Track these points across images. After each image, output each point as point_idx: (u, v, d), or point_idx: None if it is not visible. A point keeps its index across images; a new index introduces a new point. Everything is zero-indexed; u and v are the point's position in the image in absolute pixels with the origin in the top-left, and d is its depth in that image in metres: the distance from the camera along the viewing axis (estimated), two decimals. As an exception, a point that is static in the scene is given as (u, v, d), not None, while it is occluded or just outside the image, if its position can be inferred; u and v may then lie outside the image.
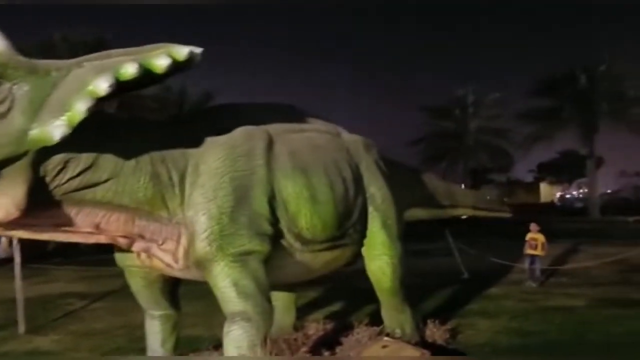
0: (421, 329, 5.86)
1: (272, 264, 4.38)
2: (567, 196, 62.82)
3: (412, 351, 4.49)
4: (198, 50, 3.46)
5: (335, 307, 7.88)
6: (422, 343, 5.50)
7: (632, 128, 34.43)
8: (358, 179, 5.11)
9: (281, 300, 5.86)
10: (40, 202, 3.28)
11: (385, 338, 4.82)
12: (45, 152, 3.15)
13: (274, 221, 4.24)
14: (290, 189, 4.37)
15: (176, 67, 3.40)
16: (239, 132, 4.33)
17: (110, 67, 3.18)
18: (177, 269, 4.12)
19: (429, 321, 5.99)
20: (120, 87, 3.24)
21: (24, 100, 3.07)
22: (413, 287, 9.62)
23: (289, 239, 4.40)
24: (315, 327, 6.02)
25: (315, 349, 5.26)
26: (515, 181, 63.27)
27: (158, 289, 4.46)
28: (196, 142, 4.11)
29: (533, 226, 9.87)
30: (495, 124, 38.81)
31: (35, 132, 3.05)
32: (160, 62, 3.27)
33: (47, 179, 3.26)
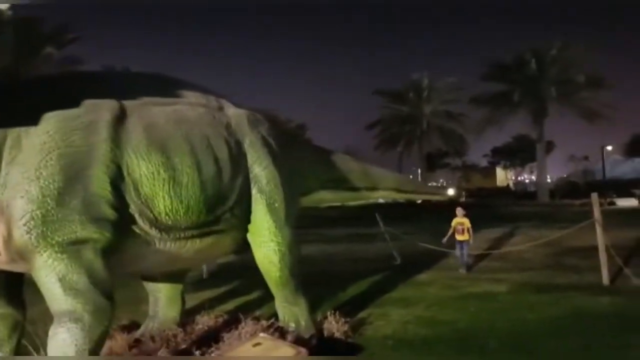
0: (320, 322, 5.39)
1: (127, 253, 3.84)
2: (521, 180, 64.00)
3: (286, 349, 4.00)
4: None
5: (248, 299, 7.34)
6: (318, 337, 5.04)
7: (581, 113, 34.89)
8: (238, 158, 4.56)
9: (165, 291, 5.31)
10: None
11: (261, 335, 4.32)
12: None
13: (120, 205, 3.66)
14: (144, 169, 3.79)
15: None
16: (83, 103, 3.72)
17: None
18: (3, 262, 3.51)
19: (328, 313, 5.52)
20: None
21: None
22: (344, 273, 9.50)
23: (143, 226, 3.83)
24: (205, 321, 5.49)
25: (193, 345, 4.72)
26: (470, 165, 64.09)
27: None
28: (24, 114, 3.49)
29: (459, 211, 9.49)
30: (449, 108, 38.96)
31: None
32: None
33: None
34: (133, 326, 5.41)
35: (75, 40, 25.19)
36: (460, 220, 9.32)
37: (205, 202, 4.15)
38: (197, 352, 4.39)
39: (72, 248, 3.38)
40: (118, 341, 4.84)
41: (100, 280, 3.47)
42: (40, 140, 3.43)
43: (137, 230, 3.82)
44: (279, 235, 4.79)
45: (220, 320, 5.53)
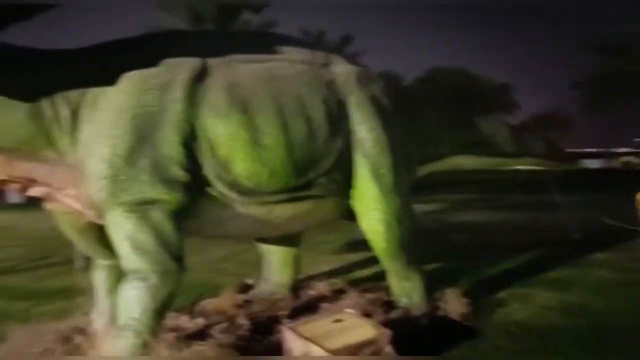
0: (438, 299, 4.89)
1: (205, 216, 3.79)
2: None
3: (368, 330, 3.64)
4: None
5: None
6: (430, 315, 4.58)
7: None
8: (339, 119, 4.22)
9: (277, 255, 5.26)
10: None
11: (346, 310, 4.00)
12: None
13: (193, 167, 3.58)
14: (222, 129, 3.66)
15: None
16: (164, 62, 3.69)
17: None
18: (95, 217, 3.68)
19: (447, 290, 4.97)
20: None
21: None
22: (503, 245, 8.64)
23: (220, 188, 3.73)
24: (318, 287, 5.33)
25: (292, 314, 4.59)
26: None
27: (91, 238, 4.05)
28: (104, 75, 3.56)
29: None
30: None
31: None
32: None
33: None
34: (247, 287, 5.46)
35: (269, 4, 26.32)
36: (646, 194, 7.79)
37: (294, 165, 3.91)
38: (286, 320, 4.24)
39: (141, 208, 3.41)
40: (227, 300, 4.93)
41: (169, 242, 3.46)
42: (115, 100, 3.47)
43: (214, 193, 3.73)
44: (385, 204, 4.37)
45: (332, 288, 5.32)
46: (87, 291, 4.36)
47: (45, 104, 3.36)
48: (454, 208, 14.05)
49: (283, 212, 4.08)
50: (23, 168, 3.43)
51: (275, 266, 5.27)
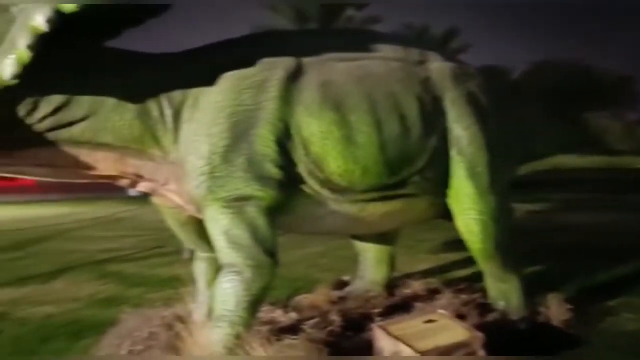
0: (538, 304, 4.66)
1: (299, 214, 3.88)
2: None
3: (460, 332, 3.55)
4: None
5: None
6: (529, 321, 4.38)
7: None
8: (434, 116, 4.13)
9: (373, 252, 5.26)
10: (15, 143, 3.31)
11: (440, 311, 3.91)
12: (14, 91, 3.11)
13: (287, 164, 3.67)
14: (315, 128, 3.72)
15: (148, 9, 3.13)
16: (261, 62, 3.81)
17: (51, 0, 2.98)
18: (195, 211, 3.88)
19: (550, 295, 4.72)
20: (81, 23, 3.01)
21: None
22: (618, 248, 8.03)
23: (313, 186, 3.79)
24: (415, 286, 5.26)
25: (385, 312, 4.57)
26: None
27: (193, 231, 4.27)
28: (205, 76, 3.73)
29: None
30: None
31: None
32: None
33: (18, 120, 3.26)
34: (343, 284, 5.50)
35: (371, 1, 26.26)
36: None
37: (387, 163, 3.89)
38: (379, 319, 4.23)
39: (236, 204, 3.54)
40: (321, 296, 5.00)
41: (263, 237, 3.57)
42: (214, 99, 3.63)
43: (308, 191, 3.79)
44: (481, 204, 4.23)
45: (428, 288, 5.23)
46: (191, 282, 4.60)
47: (151, 105, 3.58)
48: (560, 208, 13.27)
49: (375, 211, 4.07)
50: (132, 165, 3.68)
51: (371, 264, 5.27)
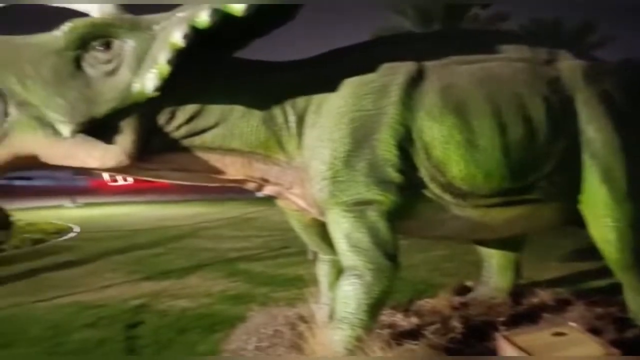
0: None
1: (420, 218, 3.87)
2: None
3: (594, 347, 3.33)
4: None
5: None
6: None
7: None
8: (563, 118, 3.92)
9: (497, 258, 5.10)
10: (154, 149, 3.62)
11: (570, 324, 3.68)
12: (154, 102, 3.43)
13: (408, 169, 3.66)
14: (436, 132, 3.68)
15: (269, 13, 3.29)
16: (381, 67, 3.84)
17: (187, 18, 3.23)
18: (318, 214, 4.00)
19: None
20: (211, 37, 3.24)
21: (130, 57, 3.40)
22: None
23: (434, 190, 3.75)
24: (542, 295, 5.01)
25: (510, 321, 4.40)
26: None
27: (315, 233, 4.40)
28: (327, 82, 3.83)
29: None
30: None
31: (137, 86, 3.35)
32: (237, 6, 3.12)
33: (157, 128, 3.56)
34: (465, 289, 5.37)
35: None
36: None
37: (511, 167, 3.75)
38: (503, 327, 4.08)
39: (357, 208, 3.60)
40: (443, 301, 4.93)
41: (383, 241, 3.60)
42: (335, 105, 3.71)
43: (429, 195, 3.76)
44: (618, 210, 3.95)
45: (556, 298, 4.95)
46: (315, 282, 4.74)
47: (276, 111, 3.74)
48: None
49: (498, 216, 3.94)
50: (259, 169, 3.87)
51: (495, 269, 5.10)
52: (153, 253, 9.95)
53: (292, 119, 3.76)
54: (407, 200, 3.68)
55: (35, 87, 3.30)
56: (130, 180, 37.83)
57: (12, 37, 3.48)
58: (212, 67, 3.68)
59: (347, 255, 3.62)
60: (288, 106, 3.76)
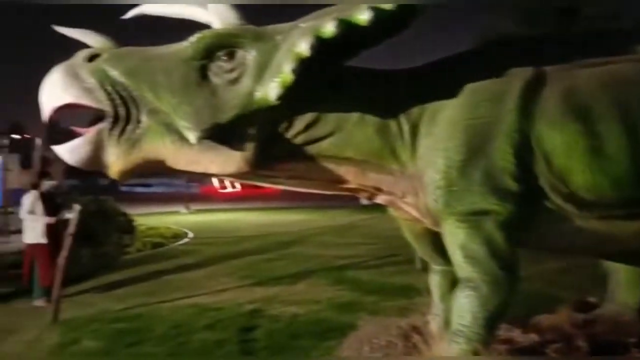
0: None
1: (540, 229, 3.71)
2: None
3: None
4: (415, 2, 3.26)
5: None
6: None
7: None
8: None
9: (624, 273, 4.75)
10: (273, 156, 3.73)
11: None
12: (273, 110, 3.54)
13: (526, 178, 3.51)
14: (558, 140, 3.51)
15: (389, 21, 3.30)
16: (497, 73, 3.72)
17: (312, 28, 3.30)
18: (432, 224, 3.95)
19: None
20: (330, 45, 3.31)
21: (252, 65, 3.53)
22: None
23: (556, 201, 3.57)
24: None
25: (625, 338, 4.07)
26: None
27: (427, 243, 4.33)
28: (441, 90, 3.77)
29: None
30: None
31: (259, 94, 3.47)
32: (362, 16, 3.17)
33: (276, 136, 3.67)
34: (587, 305, 5.05)
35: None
36: None
37: None
38: (635, 349, 3.79)
39: (472, 218, 3.50)
40: (564, 317, 4.67)
41: (500, 252, 3.47)
42: (449, 113, 3.64)
43: (550, 206, 3.58)
44: None
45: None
46: (425, 292, 4.67)
47: (390, 120, 3.73)
48: None
49: (627, 228, 3.67)
50: (372, 178, 3.87)
51: (622, 285, 4.75)
52: (263, 258, 10.29)
53: (406, 127, 3.73)
54: (525, 211, 3.52)
55: (166, 95, 3.48)
56: (238, 187, 39.42)
57: (145, 48, 3.73)
58: (327, 75, 3.74)
59: (462, 267, 3.53)
60: (402, 115, 3.74)
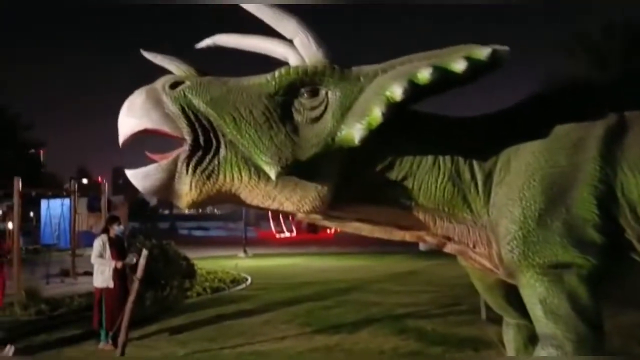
0: None
1: (625, 281, 3.51)
2: None
3: None
4: (503, 49, 3.23)
5: None
6: None
7: None
8: None
9: None
10: (346, 198, 3.68)
11: None
12: (352, 152, 3.51)
13: (611, 229, 3.34)
14: None
15: (480, 68, 3.28)
16: (575, 118, 3.61)
17: (406, 73, 3.29)
18: (505, 275, 3.80)
19: None
20: (420, 91, 3.30)
21: (335, 105, 3.52)
22: None
23: None
24: None
25: None
26: None
27: (500, 295, 4.14)
28: (516, 137, 3.68)
29: None
30: None
31: (341, 134, 3.45)
32: (458, 66, 3.17)
33: (351, 177, 3.63)
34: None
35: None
36: None
37: None
38: None
39: (553, 271, 3.34)
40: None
41: (584, 308, 3.28)
42: (525, 162, 3.53)
43: (636, 257, 3.39)
44: None
45: None
46: (492, 344, 4.46)
47: (463, 167, 3.64)
48: None
49: None
50: (442, 226, 3.76)
51: None
52: (322, 305, 10.16)
53: (479, 176, 3.64)
54: (610, 264, 3.34)
55: (247, 129, 3.44)
56: (294, 232, 39.55)
57: (227, 79, 3.67)
58: (404, 119, 3.69)
59: (543, 323, 3.35)
60: (475, 162, 3.66)
